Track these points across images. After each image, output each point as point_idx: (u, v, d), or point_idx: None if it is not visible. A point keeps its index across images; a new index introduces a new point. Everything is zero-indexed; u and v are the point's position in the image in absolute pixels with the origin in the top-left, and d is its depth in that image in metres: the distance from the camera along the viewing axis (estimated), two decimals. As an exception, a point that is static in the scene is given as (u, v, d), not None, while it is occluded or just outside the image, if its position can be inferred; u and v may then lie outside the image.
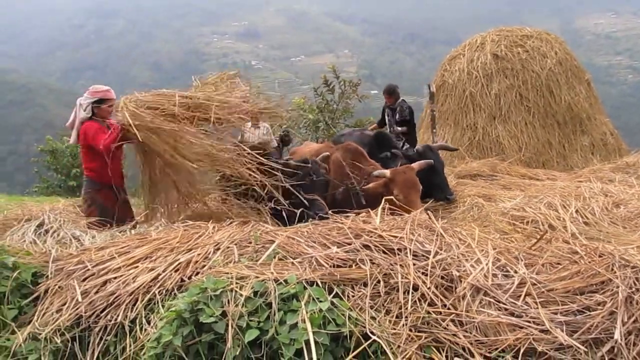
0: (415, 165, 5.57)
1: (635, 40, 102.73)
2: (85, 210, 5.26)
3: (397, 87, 8.95)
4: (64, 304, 3.08)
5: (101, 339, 2.92)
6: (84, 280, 3.23)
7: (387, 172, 5.31)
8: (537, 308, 2.48)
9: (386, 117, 8.83)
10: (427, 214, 3.33)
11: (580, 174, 7.97)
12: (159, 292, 2.99)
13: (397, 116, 8.56)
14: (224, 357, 2.43)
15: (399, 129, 8.45)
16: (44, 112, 61.57)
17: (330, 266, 2.80)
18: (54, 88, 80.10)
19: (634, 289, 2.51)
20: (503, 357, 2.32)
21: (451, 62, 11.41)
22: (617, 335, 2.30)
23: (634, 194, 6.41)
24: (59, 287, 3.25)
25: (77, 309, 3.01)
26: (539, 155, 10.10)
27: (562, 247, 3.06)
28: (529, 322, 2.42)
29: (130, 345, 2.82)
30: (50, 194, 13.41)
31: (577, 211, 5.72)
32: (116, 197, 5.18)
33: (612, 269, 2.64)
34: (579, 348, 2.29)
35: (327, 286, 2.64)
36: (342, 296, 2.60)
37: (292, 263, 2.87)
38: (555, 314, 2.47)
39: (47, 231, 4.28)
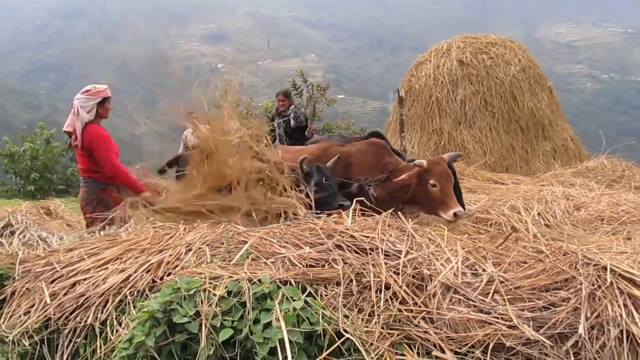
0: (446, 156, 5.54)
1: (595, 50, 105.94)
2: (90, 211, 5.01)
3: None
4: (32, 306, 3.03)
5: (70, 341, 2.88)
6: (52, 282, 3.18)
7: (424, 162, 5.22)
8: (505, 305, 2.56)
9: (276, 126, 8.44)
10: (398, 215, 3.39)
11: (543, 178, 8.18)
12: (130, 293, 2.96)
13: (293, 122, 8.52)
14: (197, 357, 2.43)
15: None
16: (3, 113, 59.89)
17: (304, 266, 2.82)
18: (13, 89, 78.00)
19: (596, 286, 2.61)
20: (473, 352, 2.38)
21: (418, 67, 11.58)
22: (580, 330, 2.39)
23: (594, 197, 6.63)
24: (27, 289, 3.19)
25: (46, 311, 2.96)
26: (503, 159, 10.34)
27: (528, 247, 3.15)
28: (497, 318, 2.49)
29: (100, 347, 2.78)
30: (11, 197, 13.06)
31: (539, 214, 5.90)
32: (120, 196, 5.02)
33: (576, 267, 2.74)
34: (545, 343, 2.37)
35: (300, 285, 2.66)
36: (315, 295, 2.63)
37: (265, 263, 2.89)
38: (522, 310, 2.55)
39: (12, 233, 4.19)
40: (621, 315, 2.46)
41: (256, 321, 2.42)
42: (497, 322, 2.46)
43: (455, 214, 4.98)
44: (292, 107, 8.76)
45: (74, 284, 3.12)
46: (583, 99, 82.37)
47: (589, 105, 78.20)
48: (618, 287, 2.59)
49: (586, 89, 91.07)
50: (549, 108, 10.90)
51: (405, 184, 5.12)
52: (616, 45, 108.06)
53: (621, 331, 2.42)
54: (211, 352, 2.38)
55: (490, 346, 2.38)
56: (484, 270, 2.86)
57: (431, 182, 5.09)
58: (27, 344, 2.87)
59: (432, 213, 5.34)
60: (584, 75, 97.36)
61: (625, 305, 2.51)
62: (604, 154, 8.47)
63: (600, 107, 79.56)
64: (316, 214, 3.74)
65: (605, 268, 2.69)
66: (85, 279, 3.14)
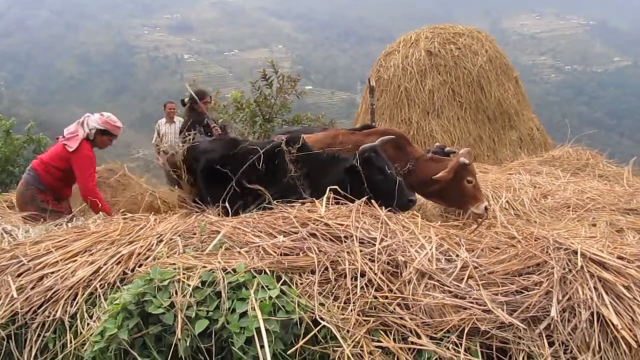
0: (464, 151, 5.52)
1: (558, 41, 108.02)
2: (21, 198, 5.18)
3: None
4: (-2, 300, 2.94)
5: (39, 335, 2.80)
6: (18, 275, 3.08)
7: (467, 160, 5.23)
8: (479, 290, 2.59)
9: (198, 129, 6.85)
10: (371, 203, 3.39)
11: (510, 167, 8.32)
12: (100, 285, 2.90)
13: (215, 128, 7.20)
14: (171, 348, 2.40)
15: None
16: (-40, 105, 58.06)
17: (278, 255, 2.80)
18: (-30, 80, 75.66)
19: (567, 270, 2.66)
20: (448, 337, 2.40)
21: (386, 58, 11.61)
22: (553, 313, 2.44)
23: (560, 185, 6.78)
24: (-8, 283, 3.09)
25: (13, 305, 2.87)
26: (471, 149, 10.45)
27: (500, 233, 3.19)
28: (472, 303, 2.52)
29: (71, 341, 2.71)
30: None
31: (507, 202, 5.99)
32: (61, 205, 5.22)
33: (547, 252, 2.79)
34: (519, 326, 2.41)
35: (275, 274, 2.64)
36: (290, 284, 2.62)
37: (239, 252, 2.85)
38: (496, 294, 2.58)
39: (-26, 226, 4.05)
40: (592, 298, 2.51)
41: (232, 311, 2.39)
42: (472, 307, 2.49)
43: (485, 208, 5.12)
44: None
45: (41, 277, 3.04)
46: (547, 90, 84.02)
47: (553, 96, 79.81)
48: (589, 271, 2.64)
49: (550, 80, 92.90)
50: (515, 98, 11.06)
51: (443, 179, 5.09)
52: (578, 37, 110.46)
53: (592, 313, 2.47)
54: (187, 344, 2.34)
55: (466, 330, 2.40)
56: (457, 256, 2.89)
57: (468, 178, 5.18)
58: (-7, 339, 2.78)
59: (459, 207, 5.39)
60: (548, 67, 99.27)
61: (595, 288, 2.57)
62: (569, 143, 8.64)
63: (563, 98, 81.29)
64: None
65: (575, 252, 2.75)
66: (53, 272, 3.06)
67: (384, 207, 3.43)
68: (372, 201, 3.46)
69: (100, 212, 4.60)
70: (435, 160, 5.44)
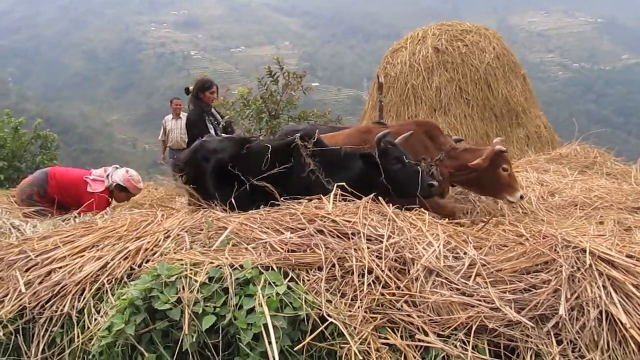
0: (499, 140, 5.64)
1: (566, 39, 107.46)
2: (20, 194, 5.35)
3: None
4: (6, 295, 2.95)
5: (47, 330, 2.81)
6: (26, 270, 3.10)
7: (503, 147, 5.26)
8: (487, 287, 2.58)
9: (208, 124, 6.54)
10: (379, 200, 3.38)
11: (517, 165, 8.26)
12: (107, 280, 2.91)
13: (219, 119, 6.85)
14: (178, 344, 2.40)
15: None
16: (-32, 101, 58.30)
17: (285, 251, 2.80)
18: (-22, 76, 75.99)
19: (575, 268, 2.64)
20: (456, 335, 2.39)
21: (393, 54, 11.56)
22: (561, 311, 2.42)
23: (567, 183, 6.74)
24: (0, 278, 3.10)
25: (21, 300, 2.88)
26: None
27: (508, 230, 3.18)
28: (479, 300, 2.51)
29: (78, 336, 2.72)
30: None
31: (515, 199, 5.96)
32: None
33: (556, 250, 2.77)
34: (526, 324, 2.40)
35: (282, 271, 2.64)
36: (297, 280, 2.62)
37: (247, 248, 2.85)
38: (504, 292, 2.57)
39: (-17, 221, 4.07)
40: (600, 297, 2.50)
41: (239, 307, 2.40)
42: (480, 305, 2.48)
43: (521, 196, 5.15)
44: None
45: (49, 272, 3.05)
46: (554, 87, 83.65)
47: (560, 94, 79.48)
48: (597, 269, 2.63)
49: (557, 78, 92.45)
50: (522, 95, 10.99)
51: (479, 167, 5.04)
52: (586, 34, 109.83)
53: (600, 312, 2.46)
54: (194, 339, 2.35)
55: (473, 328, 2.39)
56: (465, 253, 2.88)
57: (504, 166, 5.17)
58: (1, 334, 2.79)
59: (495, 195, 5.41)
60: (556, 64, 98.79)
61: (604, 287, 2.55)
62: (577, 141, 8.59)
63: (570, 96, 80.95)
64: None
65: (584, 250, 2.73)
66: (60, 267, 3.07)
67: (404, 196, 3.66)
68: (380, 197, 3.46)
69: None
70: (470, 149, 5.46)
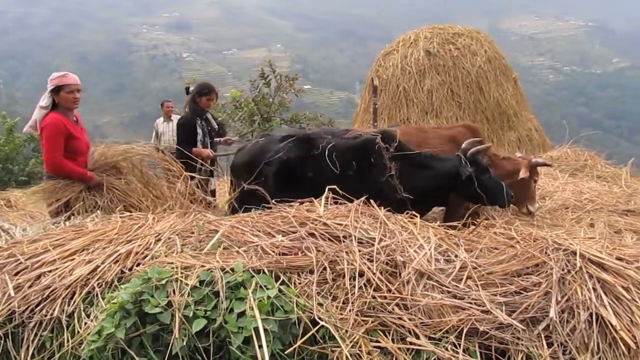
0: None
1: (557, 42, 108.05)
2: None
3: None
4: (-5, 299, 2.92)
5: (36, 334, 2.78)
6: (16, 274, 3.06)
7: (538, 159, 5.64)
8: (478, 290, 2.59)
9: (198, 128, 6.29)
10: (370, 202, 3.38)
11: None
12: (98, 284, 2.88)
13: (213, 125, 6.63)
14: (169, 348, 2.39)
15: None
16: (-42, 103, 57.82)
17: (276, 254, 2.79)
18: (-31, 78, 75.46)
19: (566, 270, 2.66)
20: (447, 337, 2.40)
21: (385, 57, 11.61)
22: (552, 314, 2.43)
23: (559, 186, 6.79)
24: (-11, 281, 3.07)
25: (10, 304, 2.84)
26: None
27: (499, 233, 3.19)
28: (470, 303, 2.51)
29: (68, 340, 2.70)
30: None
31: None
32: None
33: (546, 252, 2.79)
34: (517, 326, 2.41)
35: (273, 274, 2.63)
36: (289, 283, 2.61)
37: (238, 252, 2.84)
38: (495, 295, 2.58)
39: (-28, 224, 4.03)
40: (591, 299, 2.51)
41: (230, 310, 2.39)
42: (471, 308, 2.49)
43: (538, 208, 5.46)
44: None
45: (39, 276, 3.02)
46: (545, 91, 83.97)
47: (551, 97, 79.80)
48: (587, 272, 2.64)
49: (548, 81, 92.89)
50: (513, 99, 11.07)
51: (525, 177, 5.23)
52: (577, 38, 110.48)
53: (591, 314, 2.47)
54: (184, 343, 2.34)
55: (464, 331, 2.40)
56: (456, 256, 2.88)
57: (535, 178, 5.49)
58: (-10, 338, 2.76)
59: (517, 203, 5.45)
60: (547, 67, 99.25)
61: (594, 289, 2.57)
62: (568, 144, 8.65)
63: (561, 99, 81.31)
64: None
65: (574, 253, 2.74)
66: (50, 271, 3.04)
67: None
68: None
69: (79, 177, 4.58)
70: (507, 157, 5.73)
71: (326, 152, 4.51)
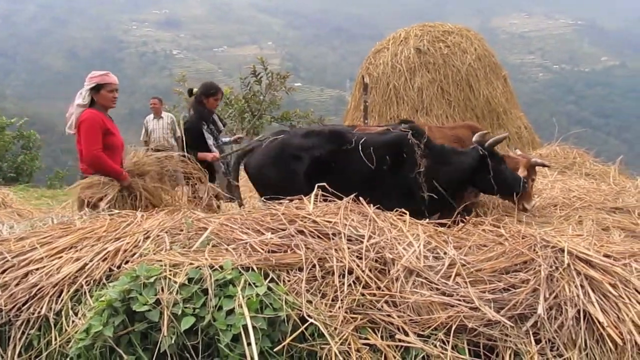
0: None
1: (546, 41, 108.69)
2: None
3: None
4: (-18, 297, 2.89)
5: (23, 333, 2.76)
6: (2, 272, 3.03)
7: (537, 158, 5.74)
8: (467, 287, 2.60)
9: (206, 133, 6.09)
10: (360, 200, 3.38)
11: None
12: (86, 282, 2.87)
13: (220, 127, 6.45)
14: (157, 345, 2.37)
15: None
16: (-56, 101, 57.15)
17: (266, 252, 2.78)
18: (-44, 75, 74.64)
19: (554, 268, 2.67)
20: (436, 334, 2.40)
21: (376, 55, 11.60)
22: (540, 311, 2.45)
23: (547, 183, 6.82)
24: (-25, 280, 3.04)
25: (-4, 302, 2.83)
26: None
27: (487, 230, 3.20)
28: (459, 300, 2.52)
29: (56, 339, 2.68)
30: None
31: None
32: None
33: (534, 250, 2.80)
34: (506, 323, 2.41)
35: (262, 271, 2.63)
36: (278, 281, 2.61)
37: (227, 249, 2.83)
38: (484, 292, 2.59)
39: (-43, 222, 3.99)
40: (578, 296, 2.53)
41: (219, 308, 2.38)
42: (459, 304, 2.49)
43: (533, 205, 5.54)
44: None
45: (26, 274, 3.00)
46: (535, 89, 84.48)
47: (541, 95, 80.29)
48: (575, 269, 2.66)
49: (538, 79, 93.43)
50: (503, 96, 11.09)
51: (522, 176, 5.37)
52: (567, 36, 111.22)
53: (578, 311, 2.49)
54: (173, 341, 2.33)
55: (453, 328, 2.41)
56: (445, 253, 2.89)
57: (533, 177, 5.62)
58: (-24, 337, 2.74)
59: (514, 201, 5.59)
60: (536, 66, 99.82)
61: (582, 286, 2.58)
62: (557, 141, 8.69)
63: (551, 97, 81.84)
64: None
65: (562, 250, 2.76)
66: (38, 269, 3.02)
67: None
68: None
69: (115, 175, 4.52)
70: (507, 156, 5.80)
71: (359, 147, 4.51)
